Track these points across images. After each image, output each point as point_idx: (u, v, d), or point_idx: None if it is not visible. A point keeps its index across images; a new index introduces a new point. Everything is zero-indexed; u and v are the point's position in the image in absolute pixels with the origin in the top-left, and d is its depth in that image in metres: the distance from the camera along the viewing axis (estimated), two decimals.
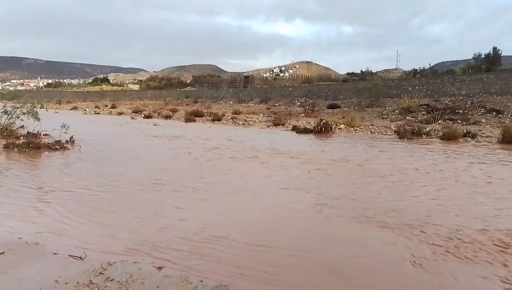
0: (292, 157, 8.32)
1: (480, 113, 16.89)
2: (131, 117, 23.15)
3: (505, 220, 4.05)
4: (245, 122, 18.60)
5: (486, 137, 11.68)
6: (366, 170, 6.92)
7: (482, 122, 15.48)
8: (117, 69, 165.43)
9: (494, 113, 16.46)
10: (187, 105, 32.08)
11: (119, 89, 55.84)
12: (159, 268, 2.83)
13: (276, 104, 27.16)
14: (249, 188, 5.54)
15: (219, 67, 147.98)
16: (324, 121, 13.44)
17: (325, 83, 30.42)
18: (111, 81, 76.29)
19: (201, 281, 2.64)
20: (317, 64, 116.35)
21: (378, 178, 6.23)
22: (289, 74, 72.70)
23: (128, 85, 66.68)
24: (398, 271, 2.92)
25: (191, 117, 20.84)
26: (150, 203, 4.70)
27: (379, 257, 3.15)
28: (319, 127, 13.30)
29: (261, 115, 21.94)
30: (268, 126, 16.74)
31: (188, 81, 53.89)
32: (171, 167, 7.11)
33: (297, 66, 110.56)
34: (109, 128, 15.61)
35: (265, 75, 69.66)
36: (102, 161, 7.70)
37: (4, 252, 3.12)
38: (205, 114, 22.26)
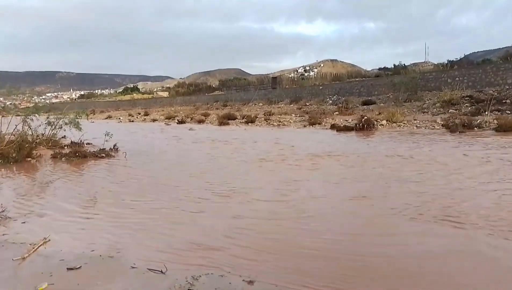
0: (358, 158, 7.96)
1: None
2: (165, 123, 23.37)
3: None
4: (280, 123, 18.31)
5: None
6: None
7: None
8: (145, 78, 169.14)
9: None
10: (217, 109, 32.15)
11: (150, 97, 56.91)
12: (250, 283, 2.59)
13: (307, 104, 26.71)
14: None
15: (243, 70, 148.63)
16: (365, 117, 12.94)
17: (357, 79, 29.73)
18: (140, 89, 77.94)
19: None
20: (342, 62, 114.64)
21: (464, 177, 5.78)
22: (314, 73, 71.91)
23: (157, 92, 67.91)
24: None
25: (224, 120, 20.76)
26: (220, 210, 4.49)
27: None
28: (360, 124, 12.82)
29: (293, 115, 21.56)
30: (304, 126, 16.38)
31: (215, 86, 54.22)
32: (231, 173, 6.93)
33: (322, 65, 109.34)
34: (148, 135, 15.73)
35: (289, 76, 69.12)
36: (154, 169, 7.62)
37: (81, 266, 2.97)
38: (238, 117, 22.15)
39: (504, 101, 16.57)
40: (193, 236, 3.62)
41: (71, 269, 2.92)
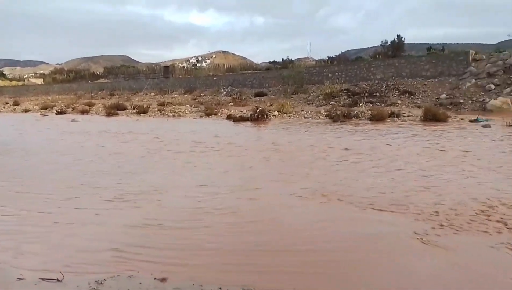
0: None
1: (395, 95, 18.34)
2: (41, 114, 20.71)
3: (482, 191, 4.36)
4: (175, 113, 17.82)
5: (408, 116, 12.72)
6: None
7: (398, 103, 16.83)
8: (13, 62, 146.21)
9: (407, 94, 18.00)
10: (103, 98, 29.82)
11: (20, 84, 49.75)
12: (163, 280, 2.44)
13: (201, 94, 26.52)
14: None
15: (131, 58, 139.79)
16: (260, 108, 13.42)
17: (250, 72, 30.57)
18: (7, 75, 67.57)
19: (220, 288, 2.32)
20: (234, 54, 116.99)
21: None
22: (207, 64, 71.88)
23: (29, 79, 59.68)
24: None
25: (112, 110, 19.33)
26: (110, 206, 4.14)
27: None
28: (255, 114, 13.26)
29: (188, 106, 21.23)
30: (201, 116, 16.27)
31: (100, 73, 50.01)
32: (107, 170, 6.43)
33: (214, 56, 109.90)
34: (20, 128, 13.72)
35: (181, 65, 67.69)
36: (33, 168, 6.67)
37: None
38: (128, 107, 20.86)
39: (374, 94, 18.89)
40: (86, 242, 3.28)
41: None
